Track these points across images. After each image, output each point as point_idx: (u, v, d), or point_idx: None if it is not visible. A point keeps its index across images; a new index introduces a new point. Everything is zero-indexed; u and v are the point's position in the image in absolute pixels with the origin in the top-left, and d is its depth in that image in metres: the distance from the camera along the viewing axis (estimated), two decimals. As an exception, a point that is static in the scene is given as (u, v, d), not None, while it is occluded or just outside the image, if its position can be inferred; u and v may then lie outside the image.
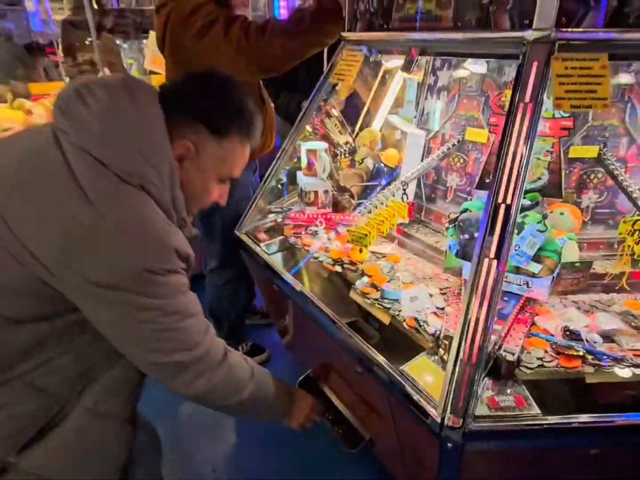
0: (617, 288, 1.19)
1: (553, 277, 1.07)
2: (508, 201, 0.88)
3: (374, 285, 1.25)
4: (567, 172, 1.26)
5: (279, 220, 1.72)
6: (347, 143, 2.11)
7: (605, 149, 1.23)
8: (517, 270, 1.13)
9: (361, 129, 2.20)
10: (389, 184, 1.54)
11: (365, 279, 1.30)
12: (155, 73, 3.21)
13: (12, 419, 0.82)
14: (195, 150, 0.91)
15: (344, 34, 1.43)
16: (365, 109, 2.26)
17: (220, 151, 0.94)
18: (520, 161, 0.88)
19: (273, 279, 1.49)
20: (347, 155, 2.00)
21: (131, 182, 0.81)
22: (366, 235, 1.28)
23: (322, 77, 1.52)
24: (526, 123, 0.89)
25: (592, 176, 1.27)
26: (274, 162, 1.72)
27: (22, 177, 0.78)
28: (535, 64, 0.90)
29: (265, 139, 1.97)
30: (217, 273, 2.12)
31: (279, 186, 1.80)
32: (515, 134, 0.89)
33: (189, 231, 0.97)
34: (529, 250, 1.09)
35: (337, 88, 1.64)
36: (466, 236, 1.18)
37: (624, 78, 1.23)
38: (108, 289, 0.77)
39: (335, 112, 2.17)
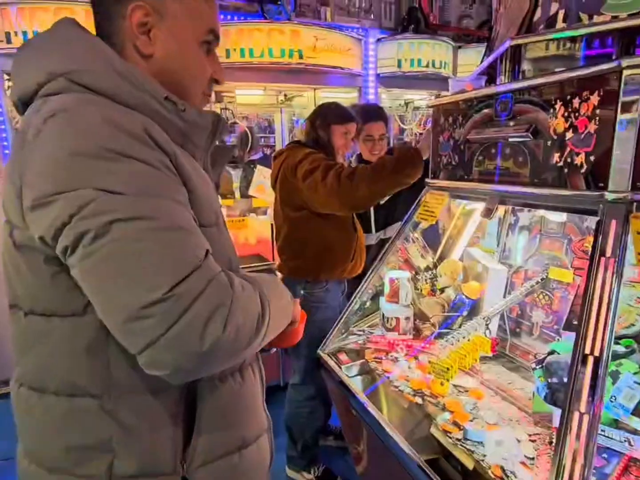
0: None
1: (659, 436, 0.99)
2: (596, 353, 0.88)
3: (456, 424, 1.23)
4: (665, 318, 1.22)
5: (361, 342, 1.79)
6: (427, 268, 2.20)
7: None
8: (617, 423, 1.06)
9: (442, 254, 2.29)
10: (470, 316, 1.56)
11: (447, 415, 1.28)
12: (255, 197, 3.70)
13: None
14: (155, 11, 0.77)
15: (428, 180, 1.61)
16: (446, 235, 2.38)
17: (182, 6, 0.79)
18: (607, 313, 0.90)
19: (351, 403, 1.50)
20: (428, 281, 2.08)
21: (55, 89, 0.70)
22: (448, 369, 1.29)
23: (408, 214, 1.68)
24: (609, 277, 0.92)
25: (697, 325, 1.20)
26: (361, 285, 1.84)
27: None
28: (614, 222, 0.96)
29: (355, 263, 2.15)
30: (297, 389, 2.17)
31: (364, 308, 1.90)
32: (598, 289, 0.92)
33: (194, 114, 0.78)
34: (628, 403, 1.03)
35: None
36: (555, 380, 1.15)
37: None
38: (53, 199, 0.63)
39: (417, 236, 2.30)
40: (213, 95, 2.79)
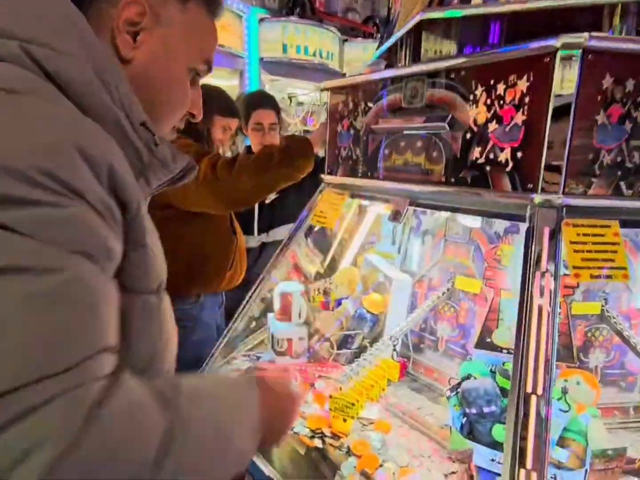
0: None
1: (586, 470, 0.88)
2: (539, 391, 0.72)
3: (364, 474, 1.01)
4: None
5: (246, 369, 1.48)
6: (318, 274, 2.00)
7: (607, 305, 1.15)
8: (538, 455, 0.93)
9: (333, 258, 2.11)
10: (372, 332, 1.38)
11: (353, 460, 1.06)
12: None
13: None
14: (152, 14, 0.60)
15: (324, 176, 1.38)
16: (338, 237, 2.20)
17: (185, 19, 0.64)
18: (548, 342, 0.74)
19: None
20: (320, 291, 1.86)
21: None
22: (353, 404, 1.07)
23: (301, 216, 1.43)
24: (547, 298, 0.77)
25: (597, 334, 1.16)
26: (246, 299, 1.53)
27: None
28: (546, 230, 0.82)
29: (234, 273, 1.82)
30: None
31: (249, 327, 1.60)
32: (536, 310, 0.77)
33: (167, 153, 0.62)
34: (553, 434, 0.91)
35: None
36: (473, 411, 1.00)
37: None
38: None
39: (306, 240, 2.09)
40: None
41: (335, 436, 1.15)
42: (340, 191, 1.31)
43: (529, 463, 0.68)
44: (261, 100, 2.10)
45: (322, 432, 1.16)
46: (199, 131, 1.63)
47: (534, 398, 0.71)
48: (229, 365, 1.51)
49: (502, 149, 0.89)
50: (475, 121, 0.94)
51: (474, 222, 1.10)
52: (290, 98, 4.58)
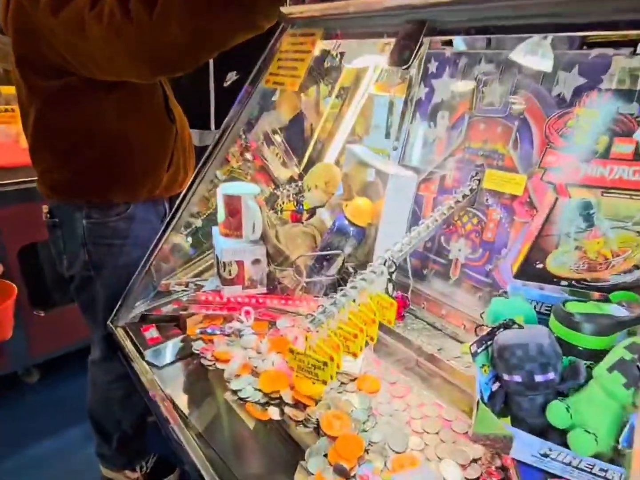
0: None
1: None
2: None
3: (340, 470, 0.65)
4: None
5: (185, 302, 1.09)
6: (292, 179, 1.57)
7: None
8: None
9: (310, 161, 1.66)
10: (356, 252, 0.97)
11: (324, 443, 0.70)
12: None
13: None
14: None
15: (284, 9, 0.86)
16: (315, 135, 1.73)
17: None
18: None
19: (161, 423, 0.85)
20: (292, 197, 1.43)
21: None
22: (326, 364, 0.69)
23: (251, 76, 0.93)
24: None
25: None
26: (177, 204, 1.08)
27: None
28: None
29: (175, 173, 1.35)
30: (101, 367, 1.43)
31: (184, 246, 1.18)
32: None
33: None
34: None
35: (274, 100, 1.07)
36: (516, 378, 0.62)
37: None
38: None
39: (277, 138, 1.63)
40: None
41: (299, 404, 0.78)
42: (308, 30, 0.81)
43: None
44: None
45: (280, 398, 0.79)
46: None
47: None
48: (158, 300, 1.11)
49: None
50: None
51: (540, 60, 0.63)
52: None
